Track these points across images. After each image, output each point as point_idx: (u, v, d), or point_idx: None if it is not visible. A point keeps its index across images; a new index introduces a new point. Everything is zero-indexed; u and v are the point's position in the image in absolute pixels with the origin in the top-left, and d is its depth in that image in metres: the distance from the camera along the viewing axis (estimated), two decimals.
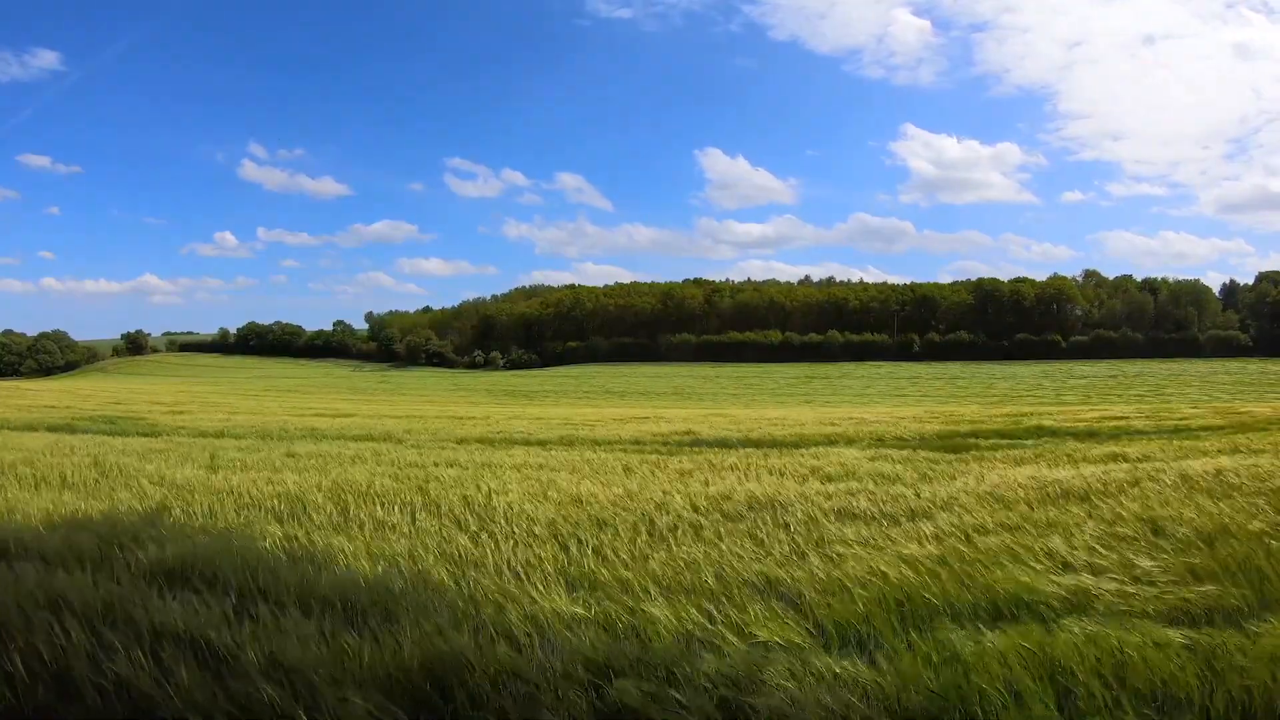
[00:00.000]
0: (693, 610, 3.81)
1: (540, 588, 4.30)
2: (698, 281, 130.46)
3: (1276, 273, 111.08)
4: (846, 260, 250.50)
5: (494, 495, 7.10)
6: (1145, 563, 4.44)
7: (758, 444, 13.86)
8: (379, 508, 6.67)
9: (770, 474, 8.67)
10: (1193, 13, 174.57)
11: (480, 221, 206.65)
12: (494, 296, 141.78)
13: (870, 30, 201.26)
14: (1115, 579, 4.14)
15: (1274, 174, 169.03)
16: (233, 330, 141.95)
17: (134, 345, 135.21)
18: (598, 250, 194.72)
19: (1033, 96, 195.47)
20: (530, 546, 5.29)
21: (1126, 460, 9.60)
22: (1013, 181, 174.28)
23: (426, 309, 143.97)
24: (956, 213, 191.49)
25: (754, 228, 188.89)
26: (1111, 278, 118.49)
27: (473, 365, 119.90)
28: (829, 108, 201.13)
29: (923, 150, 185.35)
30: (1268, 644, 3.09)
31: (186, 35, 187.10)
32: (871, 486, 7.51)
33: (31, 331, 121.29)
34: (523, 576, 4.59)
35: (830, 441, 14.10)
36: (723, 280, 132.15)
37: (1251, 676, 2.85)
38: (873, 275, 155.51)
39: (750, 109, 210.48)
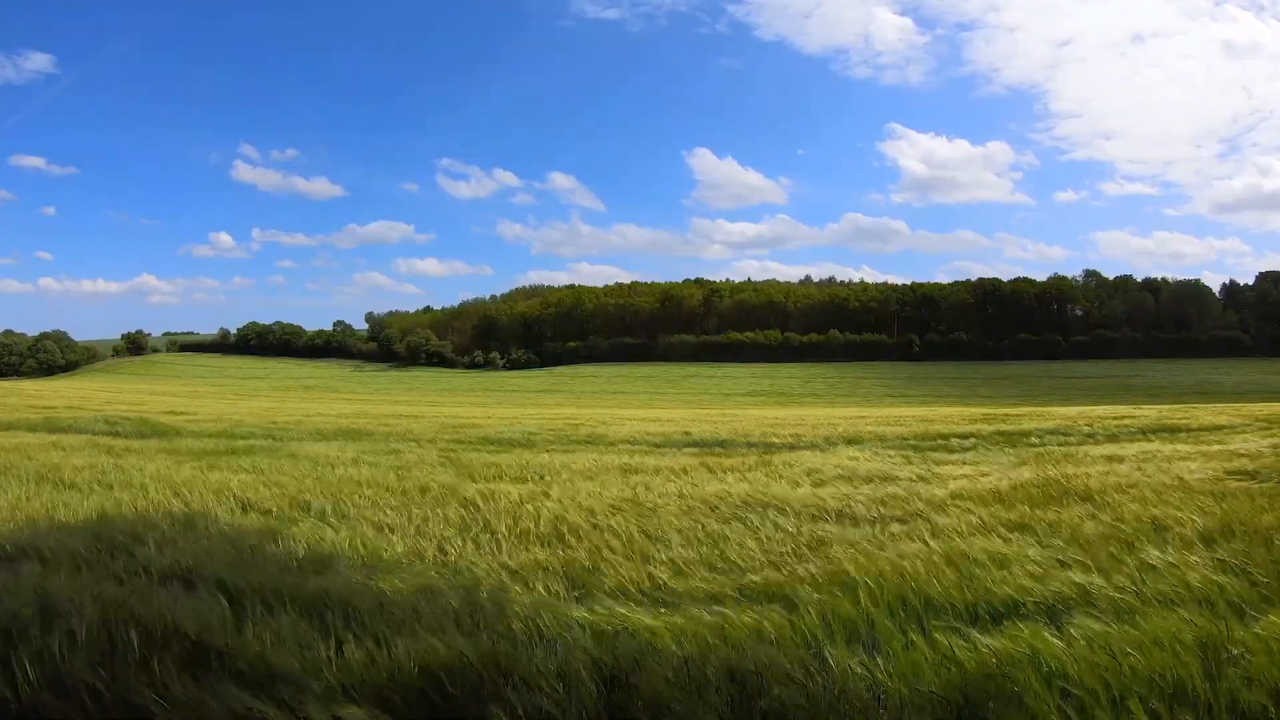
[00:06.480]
0: (695, 609, 3.81)
1: (542, 588, 4.30)
2: (698, 281, 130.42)
3: (1276, 273, 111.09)
4: (842, 260, 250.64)
5: (492, 497, 7.09)
6: (1148, 558, 4.46)
7: (756, 445, 13.87)
8: (379, 508, 6.66)
9: (769, 475, 8.66)
10: (1181, 11, 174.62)
11: (475, 222, 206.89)
12: (494, 296, 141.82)
13: (856, 30, 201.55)
14: (1118, 577, 4.14)
15: (1267, 173, 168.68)
16: (233, 330, 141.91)
17: (134, 345, 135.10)
18: (594, 250, 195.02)
19: (1023, 96, 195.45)
20: (530, 548, 5.29)
21: (1125, 461, 9.59)
22: (1006, 181, 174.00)
23: (427, 309, 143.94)
24: (950, 212, 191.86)
25: (749, 227, 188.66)
26: (1111, 278, 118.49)
27: (472, 365, 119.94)
28: (817, 108, 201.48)
29: (913, 150, 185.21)
30: (1265, 634, 3.10)
31: (177, 37, 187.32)
32: (869, 488, 7.51)
33: (32, 331, 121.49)
34: (524, 576, 4.59)
35: (830, 442, 14.11)
36: (722, 280, 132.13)
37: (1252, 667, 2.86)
38: (869, 275, 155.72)
39: (738, 109, 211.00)
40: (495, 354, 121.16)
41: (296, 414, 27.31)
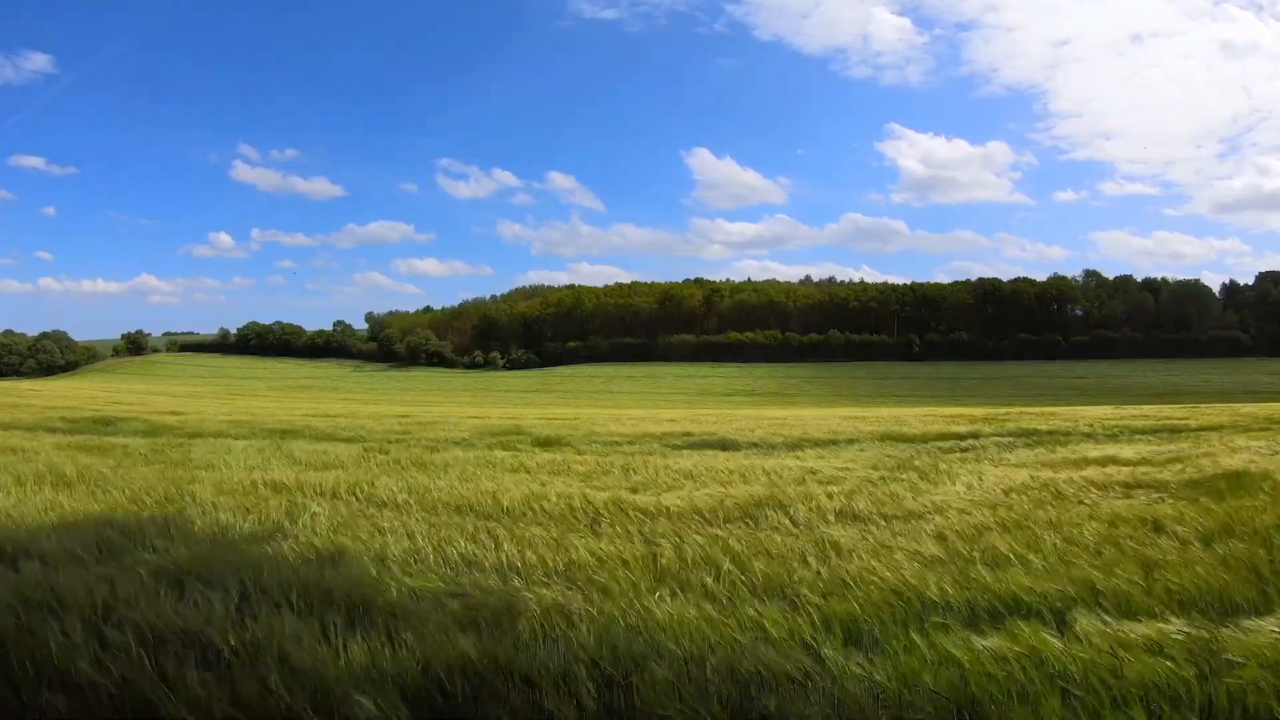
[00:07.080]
0: (695, 609, 3.82)
1: (541, 587, 4.30)
2: (698, 281, 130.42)
3: (1276, 273, 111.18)
4: (841, 260, 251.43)
5: (491, 496, 7.09)
6: (1147, 557, 4.48)
7: (756, 445, 13.86)
8: (376, 507, 6.68)
9: (769, 475, 8.66)
10: (1180, 11, 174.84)
11: (475, 222, 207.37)
12: (494, 296, 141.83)
13: (855, 30, 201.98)
14: (1117, 576, 4.15)
15: (1267, 173, 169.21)
16: (233, 330, 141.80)
17: (134, 345, 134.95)
18: (593, 250, 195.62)
19: (1022, 96, 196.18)
20: (528, 548, 5.29)
21: (1120, 463, 9.58)
22: (1005, 181, 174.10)
23: (427, 309, 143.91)
24: (949, 212, 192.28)
25: (748, 227, 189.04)
26: (1111, 278, 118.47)
27: (473, 365, 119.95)
28: (817, 108, 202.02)
29: (912, 150, 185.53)
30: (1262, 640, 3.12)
31: (177, 37, 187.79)
32: (869, 488, 7.51)
33: (32, 331, 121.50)
34: (522, 574, 4.60)
35: (830, 442, 14.11)
36: (722, 280, 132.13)
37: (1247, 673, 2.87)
38: (868, 275, 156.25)
39: (737, 109, 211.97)
40: (495, 354, 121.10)
41: (295, 414, 27.30)
